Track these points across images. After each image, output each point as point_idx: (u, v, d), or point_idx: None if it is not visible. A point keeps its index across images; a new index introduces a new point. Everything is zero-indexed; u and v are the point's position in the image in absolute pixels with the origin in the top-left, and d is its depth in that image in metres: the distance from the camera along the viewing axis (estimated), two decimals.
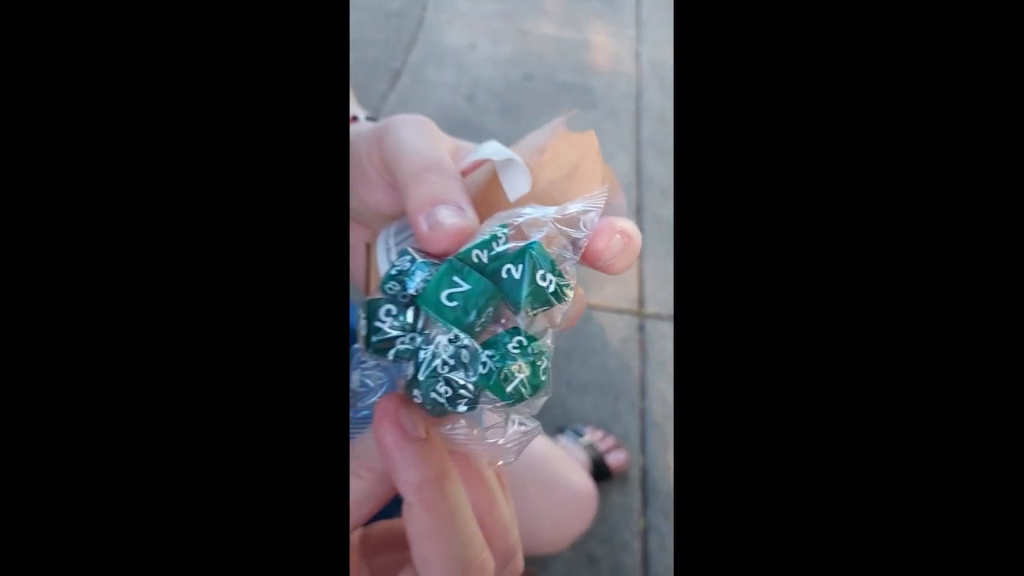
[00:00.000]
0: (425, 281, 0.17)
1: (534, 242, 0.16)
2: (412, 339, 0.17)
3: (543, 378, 0.16)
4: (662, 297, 1.05)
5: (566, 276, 0.16)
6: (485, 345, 0.16)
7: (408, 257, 0.17)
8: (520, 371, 0.15)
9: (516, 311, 0.16)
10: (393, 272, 0.17)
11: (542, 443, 0.60)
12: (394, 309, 0.17)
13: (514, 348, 0.16)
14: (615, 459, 0.86)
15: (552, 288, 0.16)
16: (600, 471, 0.84)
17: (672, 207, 1.18)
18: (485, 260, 0.16)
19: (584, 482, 0.60)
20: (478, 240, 0.17)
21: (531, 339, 0.16)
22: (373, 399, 0.19)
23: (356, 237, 0.26)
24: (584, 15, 1.62)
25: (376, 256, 0.24)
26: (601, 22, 1.61)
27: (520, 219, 0.17)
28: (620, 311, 1.03)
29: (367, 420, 0.19)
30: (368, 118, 0.32)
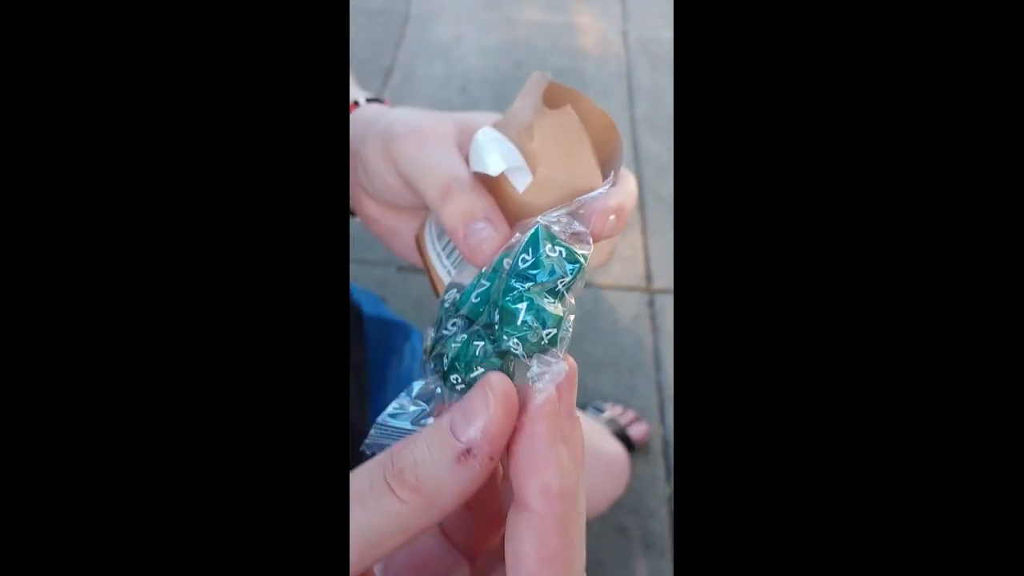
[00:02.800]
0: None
1: (537, 226, 0.18)
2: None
3: (552, 313, 0.17)
4: (669, 272, 1.07)
5: (578, 245, 0.18)
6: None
7: (456, 289, 0.20)
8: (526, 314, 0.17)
9: (535, 279, 0.18)
10: (447, 304, 0.20)
11: None
12: (459, 323, 0.19)
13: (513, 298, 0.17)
14: (636, 432, 0.88)
15: (564, 255, 0.18)
16: (623, 444, 0.87)
17: (672, 183, 1.20)
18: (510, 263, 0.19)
19: (616, 449, 0.63)
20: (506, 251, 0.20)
21: (530, 288, 0.17)
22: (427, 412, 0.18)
23: (399, 224, 0.28)
24: None
25: (429, 257, 0.26)
26: (586, 4, 1.61)
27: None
28: (629, 289, 1.05)
29: (406, 432, 0.18)
30: (370, 100, 0.32)
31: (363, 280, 1.00)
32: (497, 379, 0.15)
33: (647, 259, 1.09)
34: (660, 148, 1.27)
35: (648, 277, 1.07)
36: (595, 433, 0.62)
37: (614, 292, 1.05)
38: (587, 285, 1.04)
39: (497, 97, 1.35)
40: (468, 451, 0.14)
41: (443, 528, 0.19)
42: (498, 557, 0.17)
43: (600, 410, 0.89)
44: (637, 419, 0.90)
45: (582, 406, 0.91)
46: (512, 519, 0.14)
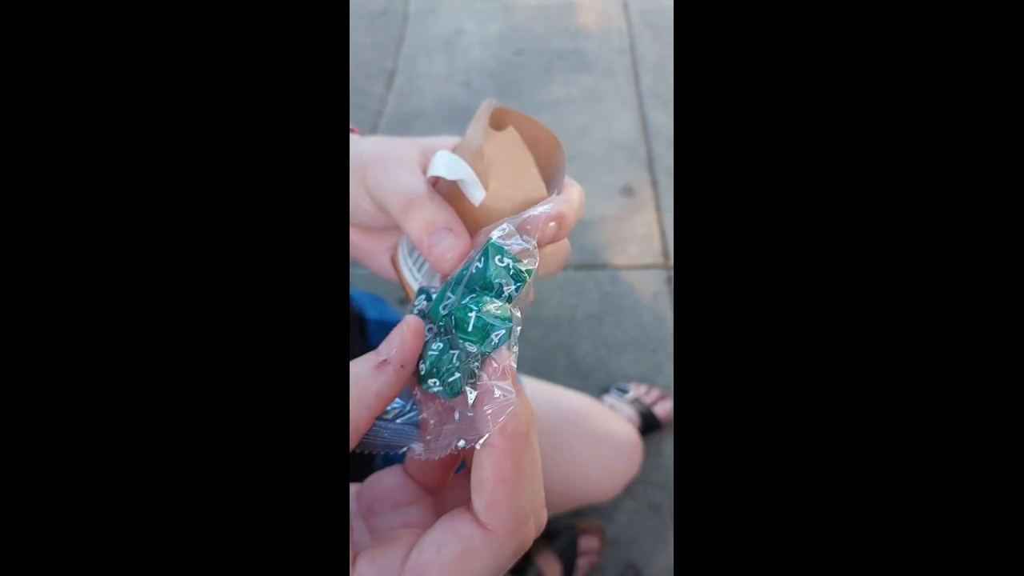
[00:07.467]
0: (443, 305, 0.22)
1: (489, 241, 0.21)
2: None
3: (493, 320, 0.19)
4: None
5: (524, 259, 0.21)
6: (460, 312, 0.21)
7: (424, 295, 0.23)
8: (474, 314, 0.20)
9: (487, 288, 0.20)
10: (415, 311, 0.23)
11: (581, 400, 0.63)
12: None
13: (469, 301, 0.20)
14: (662, 409, 0.88)
15: (509, 266, 0.20)
16: (650, 423, 0.86)
17: None
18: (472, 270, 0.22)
19: (626, 430, 0.63)
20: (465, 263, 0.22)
21: (481, 295, 0.20)
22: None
23: (378, 247, 0.31)
24: None
25: (403, 272, 0.29)
26: None
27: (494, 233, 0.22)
28: (647, 267, 1.04)
29: (388, 427, 0.21)
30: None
31: (384, 286, 1.02)
32: (412, 320, 0.20)
33: (663, 235, 1.08)
34: (668, 121, 1.24)
35: (665, 253, 1.06)
36: (601, 416, 0.63)
37: (632, 271, 1.04)
38: (604, 267, 1.04)
39: (500, 87, 1.35)
40: (385, 361, 0.19)
41: (406, 469, 0.23)
42: (454, 488, 0.22)
43: (624, 390, 0.89)
44: (663, 397, 0.90)
45: (606, 388, 0.91)
46: (478, 455, 0.18)
